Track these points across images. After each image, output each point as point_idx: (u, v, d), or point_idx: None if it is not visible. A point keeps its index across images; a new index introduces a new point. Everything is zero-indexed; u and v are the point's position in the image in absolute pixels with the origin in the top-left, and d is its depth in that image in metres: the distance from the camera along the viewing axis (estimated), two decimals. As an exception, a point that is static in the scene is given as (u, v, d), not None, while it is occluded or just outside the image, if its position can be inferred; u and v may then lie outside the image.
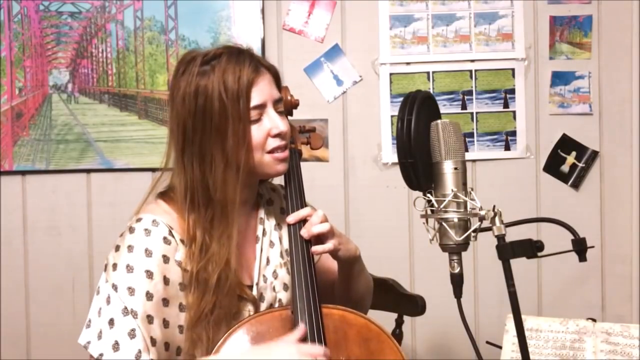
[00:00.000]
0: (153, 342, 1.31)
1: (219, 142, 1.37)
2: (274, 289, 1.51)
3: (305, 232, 1.45)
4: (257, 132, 1.40)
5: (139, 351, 1.29)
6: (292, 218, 1.48)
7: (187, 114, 1.38)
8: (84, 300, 2.42)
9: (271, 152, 1.42)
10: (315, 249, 1.45)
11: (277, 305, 1.51)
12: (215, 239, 1.39)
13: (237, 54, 1.41)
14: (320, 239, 1.46)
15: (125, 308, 1.31)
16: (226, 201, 1.39)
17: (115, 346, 1.29)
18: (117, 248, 1.37)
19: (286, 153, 1.45)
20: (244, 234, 1.50)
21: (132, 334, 1.30)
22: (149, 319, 1.32)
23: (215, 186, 1.38)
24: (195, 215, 1.40)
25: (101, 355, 1.30)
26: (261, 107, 1.41)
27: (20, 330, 2.43)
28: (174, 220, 1.40)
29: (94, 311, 1.35)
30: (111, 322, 1.31)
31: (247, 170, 1.40)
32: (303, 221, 1.48)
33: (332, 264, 1.59)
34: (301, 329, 1.35)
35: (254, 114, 1.40)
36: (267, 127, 1.41)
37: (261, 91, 1.40)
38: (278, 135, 1.42)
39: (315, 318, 1.38)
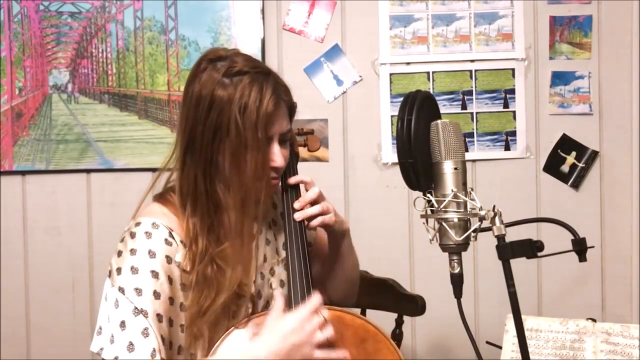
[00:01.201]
0: (163, 341, 1.32)
1: (236, 172, 1.36)
2: (270, 285, 1.52)
3: (299, 215, 1.46)
4: None
5: (154, 350, 1.29)
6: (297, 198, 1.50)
7: (197, 119, 1.36)
8: (84, 301, 2.43)
9: None
10: (314, 223, 1.47)
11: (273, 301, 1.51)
12: (229, 265, 1.39)
13: (262, 79, 1.37)
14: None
15: (135, 308, 1.30)
16: (242, 238, 1.40)
17: (130, 347, 1.29)
18: (120, 253, 1.37)
19: (276, 182, 1.45)
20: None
21: (145, 333, 1.29)
22: (159, 317, 1.32)
23: (229, 221, 1.41)
24: (196, 220, 1.40)
25: (116, 358, 1.29)
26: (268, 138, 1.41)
27: (20, 330, 2.43)
28: (173, 222, 1.40)
29: (103, 317, 1.34)
30: (122, 325, 1.30)
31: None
32: (297, 187, 1.50)
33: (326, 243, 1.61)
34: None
35: None
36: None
37: (273, 125, 1.39)
38: (273, 169, 1.42)
39: (312, 319, 1.38)
